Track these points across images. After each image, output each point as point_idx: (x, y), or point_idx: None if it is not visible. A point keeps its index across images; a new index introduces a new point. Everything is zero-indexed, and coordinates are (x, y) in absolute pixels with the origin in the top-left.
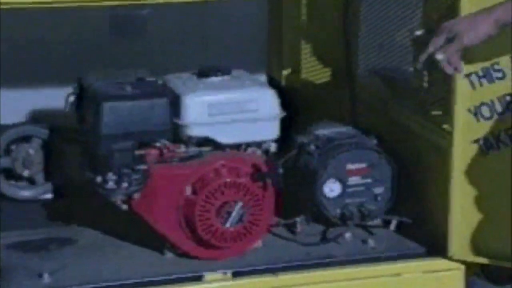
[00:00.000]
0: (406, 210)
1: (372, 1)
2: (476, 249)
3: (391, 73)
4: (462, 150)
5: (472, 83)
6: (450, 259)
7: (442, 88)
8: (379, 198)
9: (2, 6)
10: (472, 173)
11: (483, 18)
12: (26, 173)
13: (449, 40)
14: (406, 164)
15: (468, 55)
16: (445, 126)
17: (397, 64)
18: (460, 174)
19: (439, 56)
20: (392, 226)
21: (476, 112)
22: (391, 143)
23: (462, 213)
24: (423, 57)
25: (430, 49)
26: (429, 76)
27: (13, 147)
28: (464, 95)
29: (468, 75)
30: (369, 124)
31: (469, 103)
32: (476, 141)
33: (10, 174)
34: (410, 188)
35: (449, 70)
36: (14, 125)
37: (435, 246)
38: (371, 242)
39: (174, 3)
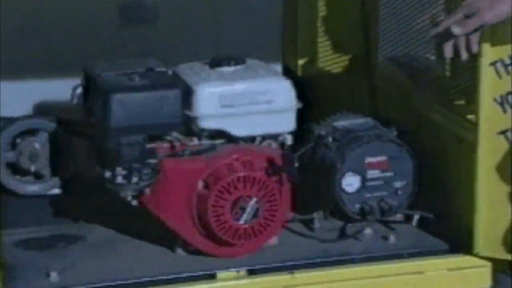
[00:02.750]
0: (429, 205)
1: None
2: (504, 245)
3: (412, 61)
4: (487, 142)
5: (497, 72)
6: (476, 255)
7: (466, 77)
8: (400, 192)
9: None
10: (499, 166)
11: None
12: (32, 167)
13: (468, 17)
14: (428, 156)
15: (494, 42)
16: (469, 116)
17: (419, 52)
18: (485, 167)
19: (456, 29)
20: (414, 221)
21: (502, 102)
22: (413, 135)
23: (488, 208)
24: (437, 30)
25: (446, 23)
26: (452, 64)
27: (18, 140)
28: (490, 84)
29: (493, 63)
30: (389, 115)
31: (494, 92)
32: (503, 132)
33: (16, 169)
34: (433, 182)
35: (463, 50)
36: (19, 118)
37: (460, 243)
38: (392, 239)
39: None
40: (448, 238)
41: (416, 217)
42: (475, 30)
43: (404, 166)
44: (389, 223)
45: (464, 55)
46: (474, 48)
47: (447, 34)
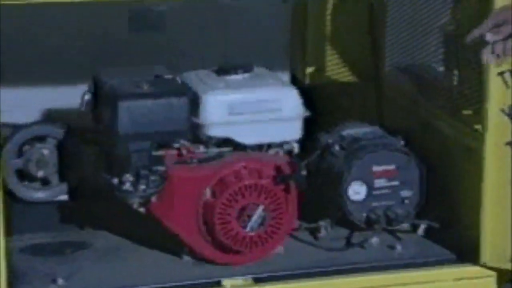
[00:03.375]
0: (435, 214)
1: None
2: (510, 256)
3: (419, 70)
4: (494, 152)
5: (505, 82)
6: (483, 266)
7: (473, 87)
8: (406, 202)
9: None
10: (505, 176)
11: None
12: (40, 174)
13: (497, 26)
14: (435, 166)
15: None
16: (476, 126)
17: (426, 62)
18: (492, 177)
19: (490, 36)
20: (421, 231)
21: (509, 113)
22: (420, 144)
23: (495, 218)
24: (471, 36)
25: (476, 32)
26: (460, 74)
27: (26, 147)
28: (497, 94)
29: (501, 73)
30: (397, 124)
31: (502, 103)
32: (510, 142)
33: (24, 175)
34: (440, 192)
35: (489, 58)
36: (28, 125)
37: (466, 252)
38: (398, 248)
39: None
40: (454, 248)
41: (422, 227)
42: (509, 36)
43: (411, 176)
44: (396, 232)
45: (501, 60)
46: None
47: (482, 43)
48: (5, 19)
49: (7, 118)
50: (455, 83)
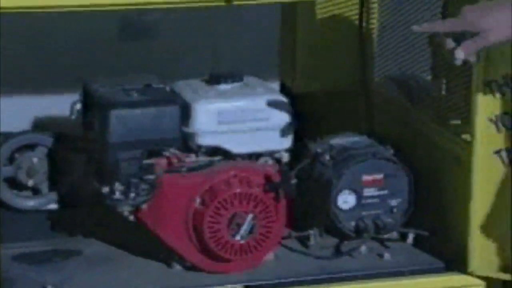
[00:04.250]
0: (424, 223)
1: (388, 6)
2: (498, 265)
3: (408, 80)
4: (482, 162)
5: (492, 92)
6: (471, 274)
7: (461, 96)
8: (395, 210)
9: (2, 10)
10: (493, 185)
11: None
12: (30, 182)
13: (468, 34)
14: (424, 175)
15: (488, 62)
16: (464, 136)
17: (415, 71)
18: (480, 186)
19: (459, 53)
20: (409, 239)
21: (496, 122)
22: (409, 153)
23: (483, 227)
24: (425, 28)
25: (441, 28)
26: (448, 84)
27: (17, 155)
28: (484, 104)
29: (488, 83)
30: (386, 133)
31: (489, 112)
32: (497, 152)
33: (13, 184)
34: (428, 200)
35: (459, 55)
36: (18, 133)
37: (455, 261)
38: (387, 256)
39: (184, 8)
40: (443, 257)
41: (411, 235)
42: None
43: (399, 184)
44: (385, 240)
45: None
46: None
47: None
48: None
49: None
50: (443, 92)
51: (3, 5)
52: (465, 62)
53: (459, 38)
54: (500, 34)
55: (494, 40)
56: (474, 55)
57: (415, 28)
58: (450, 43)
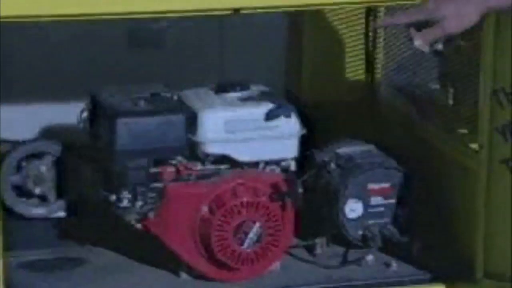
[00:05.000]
0: (431, 232)
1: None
2: (505, 274)
3: (415, 89)
4: (489, 171)
5: (499, 101)
6: (477, 283)
7: (469, 106)
8: (402, 220)
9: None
10: (500, 195)
11: (473, 4)
12: (37, 190)
13: (426, 22)
14: (430, 184)
15: (495, 71)
16: (471, 145)
17: (422, 80)
18: (487, 195)
19: (417, 42)
20: (416, 249)
21: (504, 131)
22: (415, 163)
23: (489, 237)
24: (387, 21)
25: (401, 19)
26: (455, 93)
27: (24, 164)
28: (492, 113)
29: (495, 92)
30: (392, 142)
31: (496, 121)
32: (504, 161)
33: (21, 192)
34: (435, 210)
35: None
36: (26, 142)
37: (461, 270)
38: (394, 266)
39: (192, 16)
40: (449, 266)
41: (418, 244)
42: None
43: (406, 193)
44: (391, 250)
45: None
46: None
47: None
48: (3, 36)
49: (5, 135)
50: (450, 101)
51: (3, 14)
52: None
53: (421, 26)
54: (458, 23)
55: (451, 29)
56: (428, 44)
57: (377, 25)
58: (412, 32)
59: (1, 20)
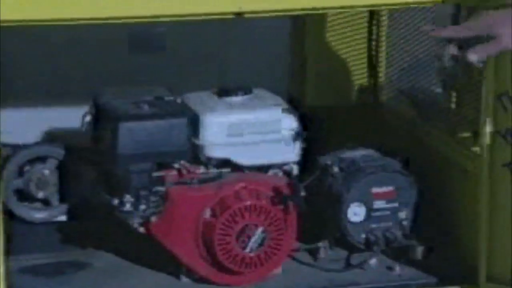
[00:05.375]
0: (434, 235)
1: (397, 20)
2: (508, 277)
3: (418, 93)
4: (491, 174)
5: (503, 105)
6: (480, 286)
7: (471, 109)
8: (405, 223)
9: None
10: (502, 198)
11: None
12: (40, 194)
13: (481, 39)
14: (433, 188)
15: (498, 74)
16: (474, 148)
17: (425, 85)
18: (489, 199)
19: (472, 57)
20: (419, 252)
21: (506, 135)
22: (418, 166)
23: (492, 240)
24: (435, 33)
25: (453, 33)
26: (458, 97)
27: (27, 167)
28: (494, 117)
29: (498, 96)
30: (395, 146)
31: (499, 125)
32: (506, 164)
33: (24, 196)
34: (438, 213)
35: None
36: (28, 145)
37: (464, 274)
38: (397, 269)
39: (195, 21)
40: (452, 269)
41: (420, 248)
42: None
43: (409, 197)
44: (394, 253)
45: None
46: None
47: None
48: (6, 40)
49: (7, 139)
50: (453, 105)
51: (3, 17)
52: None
53: (464, 43)
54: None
55: (507, 45)
56: (484, 59)
57: (426, 28)
58: (453, 49)
59: (2, 24)
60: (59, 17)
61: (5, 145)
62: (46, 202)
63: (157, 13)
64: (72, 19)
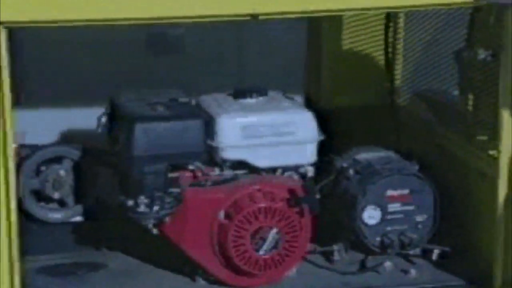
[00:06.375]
0: (449, 239)
1: (414, 21)
2: None
3: (435, 96)
4: (508, 178)
5: None
6: None
7: (489, 113)
8: (420, 226)
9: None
10: None
11: None
12: (56, 195)
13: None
14: (450, 191)
15: None
16: (491, 152)
17: (442, 87)
18: (506, 202)
19: None
20: (434, 255)
21: None
22: (434, 169)
23: (509, 244)
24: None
25: None
26: (475, 100)
27: (43, 168)
28: (511, 120)
29: None
30: (412, 149)
31: None
32: None
33: (40, 196)
34: (454, 216)
35: None
36: (44, 146)
37: (480, 278)
38: (412, 272)
39: (210, 23)
40: (468, 273)
41: (436, 251)
42: None
43: (425, 200)
44: (409, 256)
45: None
46: None
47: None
48: (24, 42)
49: (24, 139)
50: (470, 108)
51: (3, 19)
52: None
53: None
54: None
55: None
56: None
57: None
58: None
59: (23, 25)
60: (78, 18)
61: (22, 146)
62: (62, 203)
63: (173, 14)
64: (90, 20)
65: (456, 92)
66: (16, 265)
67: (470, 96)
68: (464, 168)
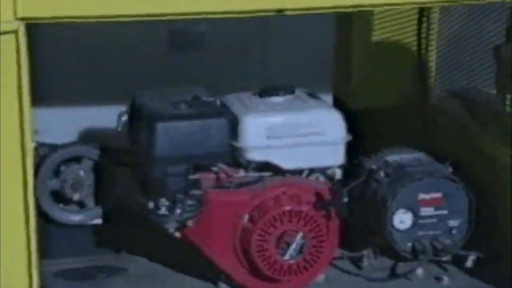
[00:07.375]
0: (485, 245)
1: (449, 16)
2: None
3: (470, 94)
4: None
5: None
6: None
7: None
8: (454, 231)
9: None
10: None
11: None
12: (76, 196)
13: None
14: (485, 194)
15: None
16: None
17: (477, 85)
18: None
19: None
20: (469, 262)
21: None
22: (469, 171)
23: None
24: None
25: None
26: None
27: (62, 168)
28: None
29: None
30: (445, 150)
31: None
32: None
33: (59, 198)
34: (490, 221)
35: None
36: (64, 145)
37: None
38: (445, 280)
39: (234, 18)
40: (505, 281)
41: (471, 258)
42: None
43: (459, 204)
44: (443, 263)
45: None
46: None
47: None
48: (43, 40)
49: (44, 138)
50: (507, 108)
51: (22, 15)
52: None
53: None
54: None
55: None
56: None
57: None
58: None
59: (44, 21)
60: (100, 14)
61: (41, 145)
62: (81, 205)
63: (198, 10)
64: (112, 16)
65: (493, 91)
66: (34, 269)
67: (508, 96)
68: (500, 170)
